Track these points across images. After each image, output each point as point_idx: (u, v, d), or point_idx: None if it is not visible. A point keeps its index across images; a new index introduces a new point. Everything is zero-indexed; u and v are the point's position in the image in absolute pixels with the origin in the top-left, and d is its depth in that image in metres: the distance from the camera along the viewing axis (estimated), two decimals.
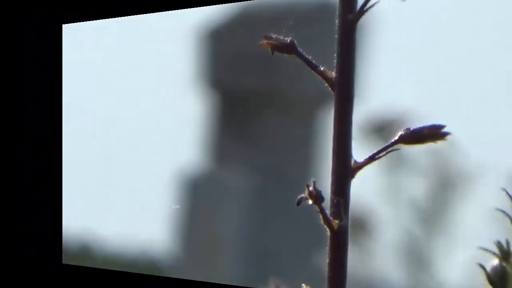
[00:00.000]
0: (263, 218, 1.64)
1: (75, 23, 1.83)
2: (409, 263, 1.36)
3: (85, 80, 1.82)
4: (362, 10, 0.72)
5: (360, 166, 0.69)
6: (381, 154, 0.70)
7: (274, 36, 0.76)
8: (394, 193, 1.35)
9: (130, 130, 1.66)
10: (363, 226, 1.36)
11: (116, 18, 1.70)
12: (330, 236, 0.69)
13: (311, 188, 0.67)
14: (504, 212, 0.71)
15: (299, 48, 0.71)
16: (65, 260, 1.95)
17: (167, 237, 1.81)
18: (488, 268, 0.75)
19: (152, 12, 1.57)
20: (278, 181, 1.62)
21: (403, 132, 0.73)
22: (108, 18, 1.71)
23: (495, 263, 0.76)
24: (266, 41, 0.76)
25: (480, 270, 0.74)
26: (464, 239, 1.26)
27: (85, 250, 1.89)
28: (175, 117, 1.74)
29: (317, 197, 0.69)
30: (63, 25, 1.83)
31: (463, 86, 1.22)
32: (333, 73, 0.73)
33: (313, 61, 0.74)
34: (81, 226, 1.81)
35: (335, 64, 0.76)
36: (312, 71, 0.73)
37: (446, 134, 0.73)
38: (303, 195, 0.68)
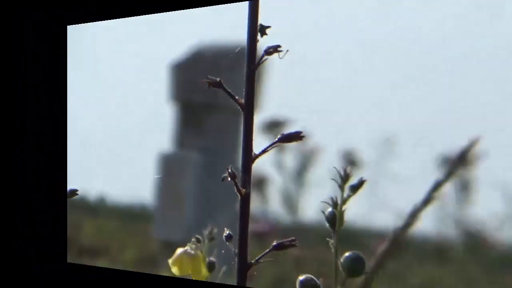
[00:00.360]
0: (207, 182, 1.79)
1: (80, 24, 1.47)
2: (287, 205, 1.53)
3: (83, 84, 1.58)
4: (259, 62, 0.90)
5: (257, 156, 0.87)
6: (268, 149, 0.89)
7: (210, 77, 0.95)
8: (279, 164, 1.53)
9: (126, 126, 1.72)
10: (262, 182, 1.54)
11: (120, 19, 1.37)
12: (240, 199, 0.87)
13: (229, 170, 0.86)
14: (335, 180, 0.86)
15: (224, 84, 0.90)
16: (86, 208, 1.79)
17: (150, 193, 1.90)
18: (326, 213, 0.90)
19: (155, 13, 1.28)
20: (218, 158, 1.77)
21: (280, 135, 0.91)
22: (111, 19, 1.38)
23: (330, 209, 0.91)
24: (205, 80, 0.96)
25: (323, 214, 0.83)
26: (317, 193, 1.38)
27: (101, 201, 1.92)
28: (155, 118, 1.85)
29: (233, 176, 0.87)
30: (68, 26, 1.48)
31: (320, 96, 1.32)
32: (242, 100, 0.90)
33: (231, 92, 0.91)
34: (96, 188, 1.84)
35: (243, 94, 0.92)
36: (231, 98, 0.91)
37: (303, 136, 0.90)
38: (225, 174, 0.88)
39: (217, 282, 0.88)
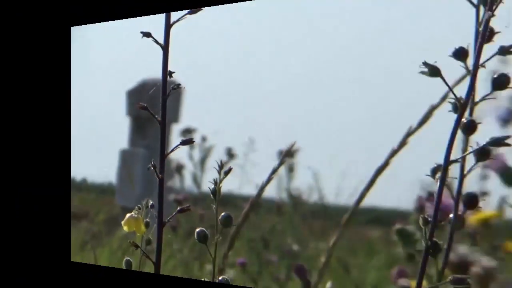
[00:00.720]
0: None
1: (84, 25, 1.17)
2: (195, 182, 1.59)
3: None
4: (170, 93, 1.01)
5: (167, 154, 0.93)
6: (174, 150, 0.94)
7: (141, 103, 1.01)
8: (190, 156, 1.59)
9: (101, 131, 1.72)
10: (180, 168, 1.60)
11: (121, 20, 1.09)
12: (158, 181, 0.79)
13: (152, 163, 0.81)
14: (216, 168, 0.79)
15: (149, 109, 0.80)
16: (74, 186, 1.44)
17: (114, 175, 1.96)
18: (211, 189, 0.77)
19: (156, 14, 0.99)
20: (155, 153, 1.62)
21: (180, 141, 0.99)
22: (114, 20, 1.11)
23: (213, 186, 0.78)
24: (137, 105, 1.03)
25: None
26: (212, 174, 1.42)
27: (84, 180, 1.91)
28: (118, 127, 1.92)
29: (154, 167, 0.93)
30: (72, 27, 1.18)
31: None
32: (159, 118, 1.00)
33: (155, 115, 0.99)
34: (80, 172, 1.78)
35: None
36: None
37: (193, 141, 0.97)
38: (149, 165, 0.91)
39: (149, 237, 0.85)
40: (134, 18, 1.10)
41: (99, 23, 1.16)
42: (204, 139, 1.49)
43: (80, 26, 1.19)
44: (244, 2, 0.98)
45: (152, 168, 0.78)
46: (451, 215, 0.63)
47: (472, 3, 0.64)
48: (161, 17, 0.78)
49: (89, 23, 1.17)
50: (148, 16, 1.06)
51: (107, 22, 1.15)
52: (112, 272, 1.13)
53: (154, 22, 0.81)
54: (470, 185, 0.62)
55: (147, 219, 0.82)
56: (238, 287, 0.83)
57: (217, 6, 0.97)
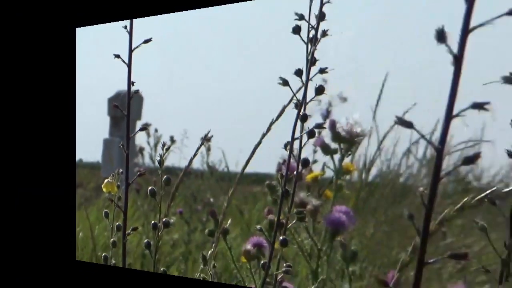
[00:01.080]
0: (123, 151, 1.78)
1: (89, 26, 0.96)
2: (152, 159, 1.59)
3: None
4: (132, 96, 0.82)
5: (132, 136, 0.83)
6: (136, 133, 0.85)
7: (115, 103, 0.88)
8: (148, 142, 1.56)
9: (91, 126, 1.69)
10: (142, 150, 1.61)
11: (123, 21, 0.79)
12: (125, 155, 0.82)
13: (121, 143, 0.81)
14: (162, 147, 0.81)
15: (119, 107, 0.81)
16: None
17: (99, 157, 1.98)
18: (157, 159, 0.82)
19: (159, 14, 0.88)
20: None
21: (137, 130, 0.86)
22: (118, 20, 0.90)
23: (158, 158, 0.80)
24: (113, 105, 0.86)
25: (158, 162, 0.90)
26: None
27: (80, 161, 1.73)
28: (103, 123, 1.96)
29: (123, 146, 0.80)
30: (77, 28, 0.97)
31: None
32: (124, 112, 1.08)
33: (123, 111, 0.83)
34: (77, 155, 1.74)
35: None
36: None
37: (147, 129, 1.01)
38: (120, 145, 0.83)
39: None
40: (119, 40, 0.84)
41: (90, 39, 0.99)
42: (156, 130, 1.56)
43: (85, 27, 0.99)
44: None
45: (121, 147, 0.83)
46: (295, 173, 0.73)
47: (304, 41, 0.77)
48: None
49: (95, 24, 0.98)
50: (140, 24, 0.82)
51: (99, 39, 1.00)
52: (114, 271, 0.92)
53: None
54: (306, 154, 0.72)
55: (118, 183, 0.86)
56: (239, 287, 0.77)
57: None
